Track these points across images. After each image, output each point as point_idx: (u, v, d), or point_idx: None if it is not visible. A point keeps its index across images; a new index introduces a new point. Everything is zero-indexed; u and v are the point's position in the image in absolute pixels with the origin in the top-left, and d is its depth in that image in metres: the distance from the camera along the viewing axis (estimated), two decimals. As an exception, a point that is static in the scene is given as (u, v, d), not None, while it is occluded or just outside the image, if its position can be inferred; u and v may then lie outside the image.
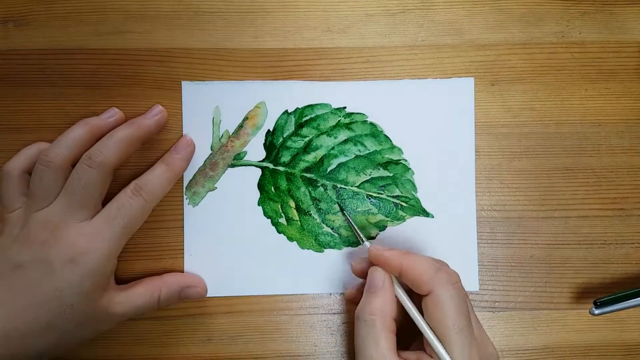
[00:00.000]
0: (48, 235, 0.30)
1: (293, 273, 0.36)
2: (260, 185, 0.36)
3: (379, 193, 0.36)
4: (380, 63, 0.36)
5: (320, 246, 0.36)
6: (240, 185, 0.36)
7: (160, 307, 0.34)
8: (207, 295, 0.35)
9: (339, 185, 0.36)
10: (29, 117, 0.36)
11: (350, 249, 0.36)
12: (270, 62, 0.36)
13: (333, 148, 0.36)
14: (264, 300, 0.36)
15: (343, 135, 0.36)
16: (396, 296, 0.30)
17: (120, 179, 0.35)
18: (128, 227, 0.31)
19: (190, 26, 0.36)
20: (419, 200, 0.36)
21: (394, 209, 0.36)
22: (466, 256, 0.36)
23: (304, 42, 0.36)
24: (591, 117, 0.37)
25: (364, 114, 0.36)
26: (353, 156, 0.36)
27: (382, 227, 0.36)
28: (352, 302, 0.33)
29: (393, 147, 0.36)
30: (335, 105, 0.36)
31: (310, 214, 0.36)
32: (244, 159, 0.36)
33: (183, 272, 0.36)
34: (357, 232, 0.34)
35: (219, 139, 0.36)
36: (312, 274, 0.36)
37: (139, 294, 0.33)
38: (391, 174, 0.36)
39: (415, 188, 0.36)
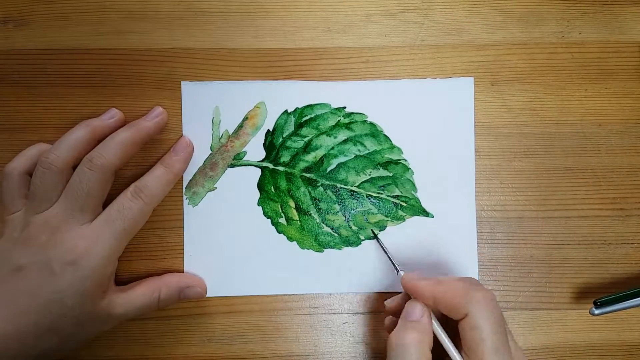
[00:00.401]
0: (48, 237, 0.30)
1: (293, 273, 0.36)
2: (260, 185, 0.36)
3: (378, 193, 0.36)
4: (380, 63, 0.36)
5: (320, 246, 0.36)
6: (240, 185, 0.36)
7: (160, 307, 0.34)
8: (207, 295, 0.35)
9: (338, 185, 0.36)
10: (29, 117, 0.36)
11: (350, 249, 0.36)
12: (270, 62, 0.36)
13: (333, 148, 0.36)
14: (264, 300, 0.36)
15: (343, 135, 0.36)
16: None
17: (120, 179, 0.35)
18: (128, 229, 0.32)
19: (190, 26, 0.36)
20: (418, 200, 0.36)
21: (394, 209, 0.36)
22: (466, 256, 0.36)
23: (304, 42, 0.36)
24: (591, 117, 0.37)
25: (363, 114, 0.36)
26: (353, 156, 0.36)
27: (382, 227, 0.36)
28: (392, 313, 0.32)
29: (393, 146, 0.36)
30: (335, 105, 0.36)
31: (310, 214, 0.36)
32: (244, 159, 0.36)
33: (183, 272, 0.36)
34: (391, 260, 0.34)
35: (219, 139, 0.36)
36: (312, 274, 0.36)
37: (139, 295, 0.33)
38: (391, 174, 0.36)
39: (415, 188, 0.36)
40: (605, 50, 0.37)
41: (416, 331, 0.29)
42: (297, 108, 0.36)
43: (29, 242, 0.30)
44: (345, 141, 0.36)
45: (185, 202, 0.36)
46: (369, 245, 0.36)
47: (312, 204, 0.36)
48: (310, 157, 0.36)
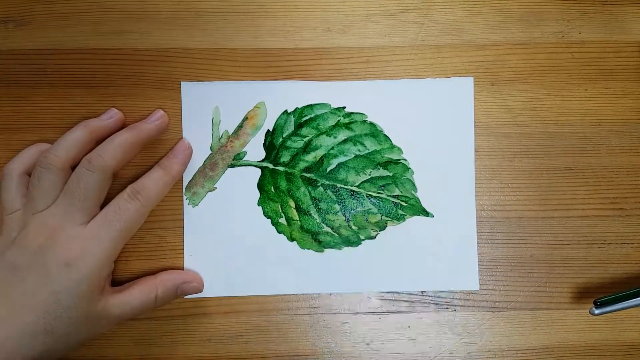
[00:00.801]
0: (45, 238, 0.30)
1: (293, 273, 0.36)
2: (260, 186, 0.36)
3: (378, 193, 0.36)
4: (380, 63, 0.36)
5: (320, 246, 0.36)
6: (240, 186, 0.36)
7: (157, 306, 0.34)
8: (207, 295, 0.35)
9: (338, 185, 0.36)
10: (29, 117, 0.36)
11: (350, 248, 0.36)
12: (270, 62, 0.36)
13: (333, 148, 0.36)
14: (264, 300, 0.36)
15: (343, 135, 0.36)
16: None
17: (119, 179, 0.35)
18: (125, 231, 0.32)
19: (190, 26, 0.36)
20: (418, 199, 0.36)
21: (394, 209, 0.36)
22: (466, 256, 0.36)
23: (304, 42, 0.36)
24: (591, 117, 0.37)
25: (363, 114, 0.36)
26: (353, 156, 0.36)
27: (382, 227, 0.36)
28: None
29: (393, 146, 0.36)
30: (334, 105, 0.36)
31: (310, 214, 0.36)
32: (244, 159, 0.36)
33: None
34: None
35: (219, 139, 0.36)
36: (312, 274, 0.36)
37: (136, 295, 0.32)
38: (391, 174, 0.36)
39: (415, 188, 0.36)
40: (605, 50, 0.37)
41: None
42: (297, 108, 0.36)
43: (26, 243, 0.30)
44: (345, 141, 0.36)
45: (185, 202, 0.36)
46: (369, 245, 0.36)
47: (312, 204, 0.36)
48: (310, 157, 0.36)
